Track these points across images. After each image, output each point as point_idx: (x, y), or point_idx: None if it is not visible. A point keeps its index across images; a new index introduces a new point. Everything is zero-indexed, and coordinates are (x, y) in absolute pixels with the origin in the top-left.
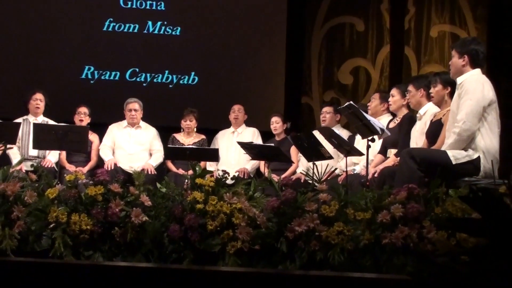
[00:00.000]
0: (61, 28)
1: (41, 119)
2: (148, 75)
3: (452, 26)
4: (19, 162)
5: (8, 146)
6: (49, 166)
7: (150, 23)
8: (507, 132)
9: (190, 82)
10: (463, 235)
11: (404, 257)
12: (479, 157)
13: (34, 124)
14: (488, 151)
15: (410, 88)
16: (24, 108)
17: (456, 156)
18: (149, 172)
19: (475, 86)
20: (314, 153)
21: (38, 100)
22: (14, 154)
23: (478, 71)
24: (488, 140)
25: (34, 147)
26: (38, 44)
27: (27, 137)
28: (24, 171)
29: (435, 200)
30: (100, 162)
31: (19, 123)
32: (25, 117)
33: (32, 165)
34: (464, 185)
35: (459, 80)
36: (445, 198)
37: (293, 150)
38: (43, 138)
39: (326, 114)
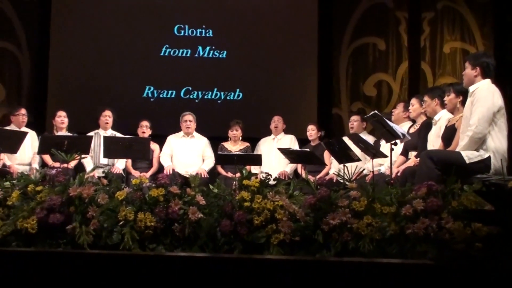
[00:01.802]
0: (126, 54)
1: (110, 132)
2: (199, 92)
3: (463, 43)
4: (92, 170)
5: (83, 156)
6: (118, 172)
7: (200, 48)
8: None
9: (235, 97)
10: (477, 224)
11: (425, 244)
12: (489, 156)
13: (104, 137)
14: (498, 151)
15: (426, 98)
16: (95, 123)
17: (469, 156)
18: (203, 176)
19: (485, 95)
20: (344, 156)
21: (107, 116)
22: (88, 162)
23: (488, 81)
24: (497, 142)
25: (104, 156)
26: (107, 69)
27: (98, 148)
28: (96, 177)
29: (451, 195)
30: (161, 168)
31: (91, 136)
32: (96, 131)
33: (103, 172)
34: (477, 181)
35: (471, 89)
36: (460, 193)
37: (326, 154)
38: (112, 148)
39: (354, 122)
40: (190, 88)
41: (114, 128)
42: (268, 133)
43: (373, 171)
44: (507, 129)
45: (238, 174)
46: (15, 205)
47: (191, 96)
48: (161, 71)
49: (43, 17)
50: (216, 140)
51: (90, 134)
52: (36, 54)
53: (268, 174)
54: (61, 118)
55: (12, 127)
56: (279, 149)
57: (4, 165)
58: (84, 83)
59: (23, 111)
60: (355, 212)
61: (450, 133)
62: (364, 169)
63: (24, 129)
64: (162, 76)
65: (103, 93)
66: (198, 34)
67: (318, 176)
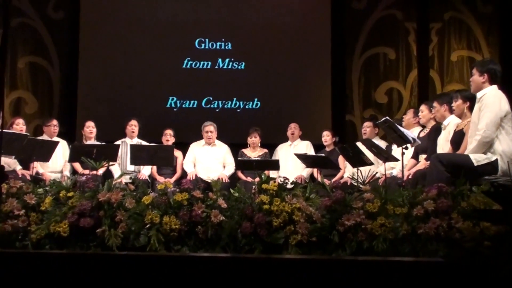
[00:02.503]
0: (150, 67)
1: (136, 140)
2: (219, 102)
3: (469, 51)
4: (120, 176)
5: (111, 163)
6: (144, 178)
7: (220, 60)
8: None
9: (254, 106)
10: (486, 223)
11: (436, 243)
12: (497, 159)
13: (131, 145)
14: (505, 154)
15: (435, 104)
16: (122, 132)
17: (477, 159)
18: (224, 181)
19: (493, 101)
20: (358, 160)
21: (133, 126)
22: (116, 169)
23: (495, 87)
24: (504, 145)
25: (131, 163)
26: (132, 82)
27: (125, 156)
28: (124, 183)
29: (461, 196)
30: (184, 173)
31: (119, 145)
32: (123, 139)
33: (130, 178)
34: (485, 183)
35: (479, 95)
36: (469, 194)
37: (341, 159)
38: (138, 156)
39: (367, 128)
40: (211, 98)
41: (140, 136)
42: (285, 139)
43: (385, 174)
44: None
45: (257, 179)
46: (48, 210)
47: (212, 106)
48: (184, 82)
49: (72, 35)
50: (236, 147)
51: (117, 142)
52: (66, 68)
53: (285, 178)
54: (90, 128)
55: (44, 137)
56: (296, 154)
57: (37, 173)
58: (111, 94)
59: (55, 122)
60: (369, 213)
61: (458, 137)
62: (377, 173)
63: (55, 139)
64: (185, 87)
65: (129, 104)
66: (217, 47)
67: (333, 180)
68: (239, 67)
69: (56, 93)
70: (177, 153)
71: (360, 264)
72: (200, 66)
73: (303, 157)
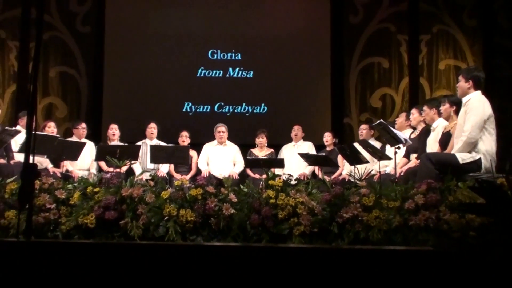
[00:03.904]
0: (168, 76)
1: (155, 141)
2: (230, 107)
3: (455, 60)
4: (141, 173)
5: (133, 162)
6: (162, 175)
7: (230, 69)
8: (501, 138)
9: (261, 111)
10: (471, 216)
11: (426, 234)
12: (480, 158)
13: (150, 146)
14: (488, 153)
15: (425, 108)
16: (142, 134)
17: (463, 157)
18: (234, 177)
19: (477, 105)
20: (355, 159)
21: (153, 128)
22: (137, 168)
23: (479, 92)
24: (488, 145)
25: (151, 162)
26: (152, 88)
27: (146, 155)
28: (144, 179)
29: (448, 191)
30: (198, 171)
31: (139, 145)
32: (143, 140)
33: (150, 175)
34: (470, 179)
35: (464, 99)
36: (456, 189)
37: (340, 157)
38: (157, 155)
39: (363, 130)
40: (223, 104)
41: (158, 138)
42: (289, 140)
43: (380, 172)
44: (496, 134)
45: (264, 176)
46: (77, 204)
47: (223, 110)
48: (198, 89)
49: (98, 47)
50: (245, 147)
51: (138, 143)
52: (93, 77)
53: (290, 175)
54: (113, 130)
55: (73, 138)
56: (299, 154)
57: (67, 171)
58: (133, 100)
59: (83, 124)
60: (365, 207)
61: (446, 138)
62: (372, 170)
63: (83, 140)
64: (199, 93)
65: (149, 109)
66: (228, 58)
67: (332, 177)
68: (248, 76)
69: (84, 99)
70: (192, 153)
71: (357, 253)
72: (213, 75)
73: (305, 156)
